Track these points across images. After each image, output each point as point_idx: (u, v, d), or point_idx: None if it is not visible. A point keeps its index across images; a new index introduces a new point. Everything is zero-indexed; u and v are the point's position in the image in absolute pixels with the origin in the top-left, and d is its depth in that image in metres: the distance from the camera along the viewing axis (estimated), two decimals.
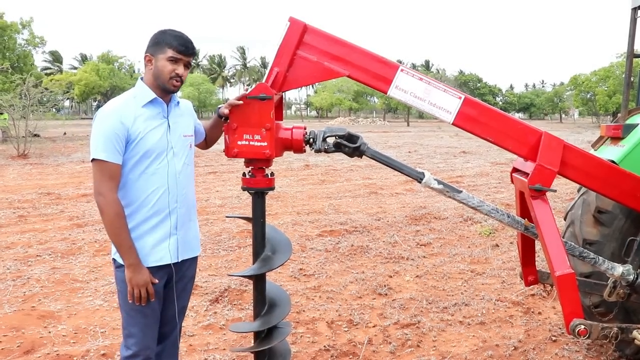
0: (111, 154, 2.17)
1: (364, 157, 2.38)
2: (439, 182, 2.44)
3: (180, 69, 2.26)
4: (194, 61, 2.43)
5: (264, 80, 2.31)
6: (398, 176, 11.75)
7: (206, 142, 2.71)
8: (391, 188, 10.66)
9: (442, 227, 7.30)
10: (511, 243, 6.46)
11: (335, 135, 2.33)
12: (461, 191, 2.46)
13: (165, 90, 2.30)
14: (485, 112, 2.38)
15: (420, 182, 2.42)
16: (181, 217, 2.37)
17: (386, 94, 2.33)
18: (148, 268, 2.28)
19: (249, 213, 2.39)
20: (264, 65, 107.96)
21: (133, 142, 2.22)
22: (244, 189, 2.36)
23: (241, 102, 2.26)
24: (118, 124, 2.18)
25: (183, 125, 2.42)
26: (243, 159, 2.34)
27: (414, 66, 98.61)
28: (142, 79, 2.34)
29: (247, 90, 2.29)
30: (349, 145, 2.31)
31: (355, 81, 2.38)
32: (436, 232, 7.00)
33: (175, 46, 2.24)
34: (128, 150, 2.23)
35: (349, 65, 2.31)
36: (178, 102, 2.44)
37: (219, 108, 2.47)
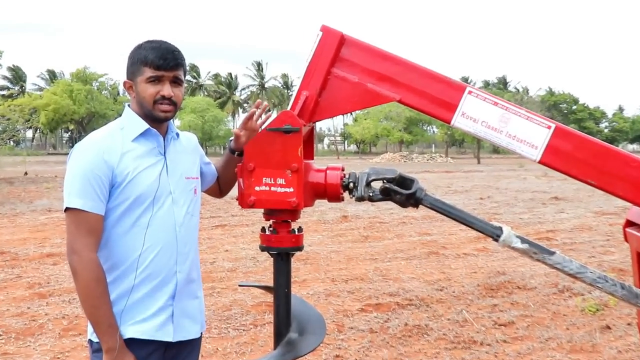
0: (90, 202, 2.20)
1: (420, 206, 2.38)
2: (523, 240, 2.41)
3: (166, 89, 2.31)
4: (192, 79, 2.50)
5: (289, 107, 2.37)
6: (466, 231, 11.55)
7: (219, 187, 2.76)
8: (457, 247, 10.65)
9: (529, 300, 7.14)
10: (629, 324, 6.25)
11: (382, 179, 2.35)
12: (554, 252, 2.42)
13: (155, 120, 2.36)
14: (584, 145, 2.34)
15: (497, 240, 2.38)
16: (181, 284, 2.39)
17: (449, 124, 2.35)
18: (126, 341, 2.25)
19: (268, 280, 2.40)
20: (286, 85, 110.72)
21: (120, 186, 2.26)
22: (263, 248, 2.38)
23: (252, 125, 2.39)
24: (100, 162, 2.22)
25: (185, 164, 2.48)
26: (262, 210, 2.37)
27: (486, 85, 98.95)
28: (129, 105, 2.41)
29: (267, 110, 2.39)
30: (401, 192, 2.33)
31: (408, 107, 2.41)
32: (520, 308, 6.85)
33: (152, 61, 2.29)
34: (113, 197, 2.26)
35: (400, 88, 2.34)
36: (177, 134, 2.51)
37: (231, 141, 2.56)
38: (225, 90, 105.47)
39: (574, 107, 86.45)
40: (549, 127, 2.33)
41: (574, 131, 2.39)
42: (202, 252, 9.71)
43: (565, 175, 2.37)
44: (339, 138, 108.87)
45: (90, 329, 2.30)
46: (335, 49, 2.35)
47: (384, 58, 2.37)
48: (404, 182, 2.35)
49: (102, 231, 2.24)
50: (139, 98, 2.33)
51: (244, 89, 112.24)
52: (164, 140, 2.41)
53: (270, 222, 2.38)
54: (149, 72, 2.29)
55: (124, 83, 2.40)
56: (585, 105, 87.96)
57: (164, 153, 2.39)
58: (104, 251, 2.27)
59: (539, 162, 2.34)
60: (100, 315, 2.20)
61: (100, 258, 2.23)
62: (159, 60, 2.28)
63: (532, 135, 2.34)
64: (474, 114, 2.34)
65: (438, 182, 27.58)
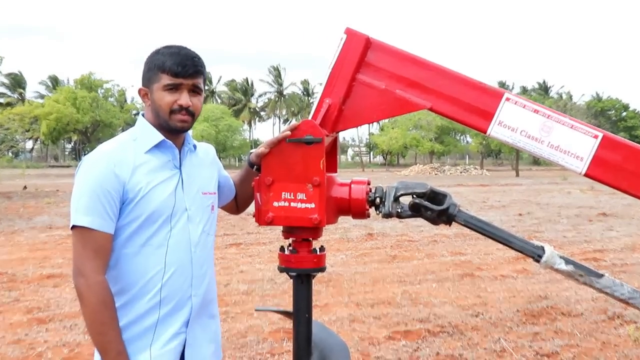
0: (99, 219, 2.20)
1: (453, 223, 2.39)
2: (567, 261, 2.39)
3: (183, 98, 2.32)
4: (206, 87, 2.52)
5: (310, 116, 2.40)
6: (504, 251, 11.51)
7: (237, 203, 2.79)
8: (494, 268, 10.59)
9: (575, 328, 7.05)
10: None
11: (411, 194, 2.36)
12: (603, 274, 2.40)
13: (171, 131, 2.37)
14: (635, 155, 2.31)
15: (538, 261, 2.37)
16: (196, 309, 2.40)
17: (485, 133, 2.36)
18: None
19: (287, 305, 2.41)
20: (307, 92, 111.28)
21: (131, 203, 2.26)
22: (281, 269, 2.41)
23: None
24: (111, 176, 2.23)
25: (202, 179, 2.50)
26: (280, 228, 2.39)
27: (524, 91, 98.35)
28: (143, 115, 2.43)
29: (290, 122, 2.38)
30: (432, 208, 2.34)
31: (439, 115, 2.43)
32: (565, 337, 6.76)
33: (170, 67, 2.30)
34: (124, 214, 2.27)
35: (431, 94, 2.36)
36: (195, 146, 2.53)
37: (251, 153, 2.56)
38: (240, 97, 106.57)
39: (624, 114, 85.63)
40: (596, 137, 2.32)
41: (624, 140, 2.36)
42: (216, 273, 9.66)
43: (614, 189, 2.35)
44: (364, 149, 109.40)
45: (97, 356, 2.29)
46: (360, 53, 2.39)
47: (413, 62, 2.39)
48: (436, 197, 2.36)
49: (110, 251, 2.25)
50: (154, 106, 2.35)
51: (260, 95, 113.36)
52: (179, 152, 2.43)
53: (290, 240, 2.40)
54: (166, 79, 2.30)
55: (139, 90, 2.42)
56: (637, 111, 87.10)
57: (180, 166, 2.41)
58: (113, 273, 2.27)
59: (585, 174, 2.32)
60: (108, 342, 2.19)
61: (109, 280, 2.24)
62: (178, 67, 2.29)
63: (577, 145, 2.32)
64: (513, 123, 2.35)
65: (472, 196, 27.47)
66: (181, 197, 2.37)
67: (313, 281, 2.42)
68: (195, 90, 2.35)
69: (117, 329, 2.22)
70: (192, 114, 2.36)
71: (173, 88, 2.31)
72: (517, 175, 56.39)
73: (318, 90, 2.45)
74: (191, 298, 2.37)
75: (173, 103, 2.31)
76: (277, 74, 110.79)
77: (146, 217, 2.28)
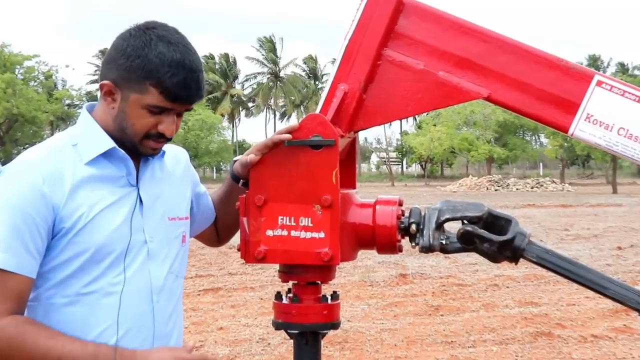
0: (16, 258, 2.19)
1: (521, 260, 2.39)
2: None
3: (168, 125, 2.35)
4: None
5: (318, 109, 2.43)
6: (596, 299, 11.48)
7: (217, 231, 2.86)
8: (581, 325, 10.46)
9: None
10: None
11: (461, 218, 2.38)
12: None
13: (135, 153, 2.41)
14: None
15: None
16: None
17: (567, 133, 2.35)
18: None
19: None
20: (313, 75, 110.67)
21: (68, 235, 2.27)
22: (278, 325, 2.42)
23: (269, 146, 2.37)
24: (37, 197, 2.22)
25: (169, 198, 2.54)
26: (276, 266, 2.43)
27: (623, 70, 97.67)
28: (90, 110, 2.45)
29: (289, 118, 2.38)
30: (491, 238, 2.34)
31: (501, 107, 2.43)
32: None
33: (169, 89, 2.29)
34: (57, 250, 2.27)
35: (490, 78, 2.38)
36: (162, 152, 2.56)
37: (235, 162, 2.62)
38: (219, 81, 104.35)
39: None
40: None
41: None
42: (185, 331, 9.63)
43: None
44: (393, 154, 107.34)
45: None
46: (388, 20, 2.42)
47: (464, 31, 2.40)
48: (496, 222, 2.37)
49: (26, 298, 2.25)
50: (121, 118, 2.35)
51: (247, 79, 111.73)
52: (139, 162, 2.46)
53: (290, 284, 2.42)
54: (156, 99, 2.30)
55: (103, 85, 2.37)
56: None
57: (137, 182, 2.43)
58: None
59: None
60: (66, 354, 2.18)
61: None
62: (180, 91, 2.30)
63: None
64: (607, 117, 2.32)
65: (549, 222, 27.23)
66: (139, 225, 2.38)
67: (322, 342, 2.43)
68: (181, 114, 2.41)
69: (57, 336, 2.21)
70: (169, 140, 2.41)
71: (161, 111, 2.33)
72: (615, 191, 55.17)
73: (329, 71, 2.46)
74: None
75: (152, 127, 2.34)
76: (270, 47, 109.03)
77: (89, 255, 2.28)
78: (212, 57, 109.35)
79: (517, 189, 62.99)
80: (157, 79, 2.26)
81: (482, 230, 2.33)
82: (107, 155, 2.36)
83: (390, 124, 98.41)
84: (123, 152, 2.38)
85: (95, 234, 2.28)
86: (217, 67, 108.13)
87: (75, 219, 2.26)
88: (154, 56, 2.27)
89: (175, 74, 2.26)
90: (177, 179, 2.59)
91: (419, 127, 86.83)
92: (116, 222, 2.32)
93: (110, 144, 2.35)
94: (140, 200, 2.40)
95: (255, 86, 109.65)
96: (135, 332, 2.33)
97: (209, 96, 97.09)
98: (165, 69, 2.26)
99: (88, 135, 2.37)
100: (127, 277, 2.32)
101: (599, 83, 2.32)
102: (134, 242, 2.35)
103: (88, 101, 2.50)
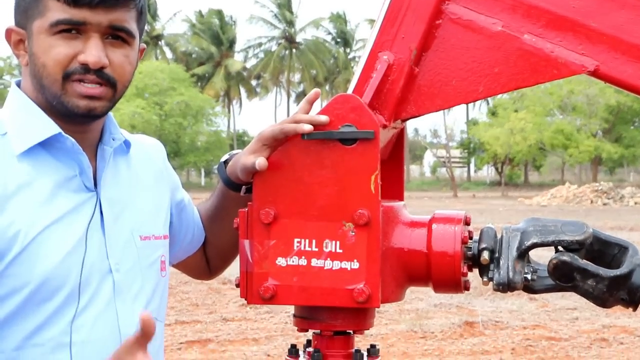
0: None
1: None
2: None
3: (91, 50, 2.24)
4: (144, 29, 2.47)
5: (350, 89, 2.40)
6: None
7: (207, 257, 2.85)
8: None
9: None
10: None
11: (555, 244, 2.30)
12: None
13: (70, 116, 2.31)
14: None
15: None
16: None
17: None
18: None
19: None
20: (343, 40, 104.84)
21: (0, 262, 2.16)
22: None
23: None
24: None
25: (140, 209, 2.49)
26: (290, 309, 2.40)
27: None
28: (19, 84, 2.40)
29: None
30: (598, 273, 2.26)
31: (613, 85, 2.36)
32: None
33: None
34: None
35: (599, 44, 2.27)
36: (127, 144, 2.52)
37: (227, 160, 2.60)
38: (210, 49, 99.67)
39: None
40: None
41: None
42: None
43: None
44: (456, 153, 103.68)
45: None
46: None
47: None
48: (605, 251, 2.36)
49: None
50: (35, 66, 2.28)
51: (250, 46, 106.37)
52: (95, 155, 2.39)
53: (310, 334, 2.39)
54: (57, 11, 2.22)
55: (7, 33, 2.35)
56: None
57: (96, 186, 2.36)
58: None
59: None
60: None
61: None
62: None
63: None
64: None
65: None
66: (100, 247, 2.31)
67: None
68: (116, 36, 2.29)
69: None
70: (112, 83, 2.30)
71: (70, 30, 2.24)
72: None
73: (365, 35, 2.31)
74: None
75: (70, 59, 2.24)
76: (283, 1, 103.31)
77: (29, 293, 2.21)
78: (200, 14, 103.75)
79: (635, 203, 58.88)
80: None
81: (585, 261, 2.27)
82: (49, 146, 2.29)
83: (451, 110, 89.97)
84: (73, 140, 2.30)
85: (37, 263, 2.20)
86: (208, 29, 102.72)
87: (7, 243, 2.18)
88: None
89: None
90: (150, 182, 2.55)
91: (493, 114, 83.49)
92: (67, 243, 2.24)
93: (54, 128, 2.28)
94: (101, 211, 2.34)
95: (261, 56, 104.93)
96: None
97: (195, 71, 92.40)
98: None
99: (21, 119, 2.31)
100: (83, 322, 2.27)
101: None
102: (92, 272, 2.28)
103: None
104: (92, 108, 2.29)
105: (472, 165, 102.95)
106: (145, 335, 2.08)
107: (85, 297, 2.27)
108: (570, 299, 14.32)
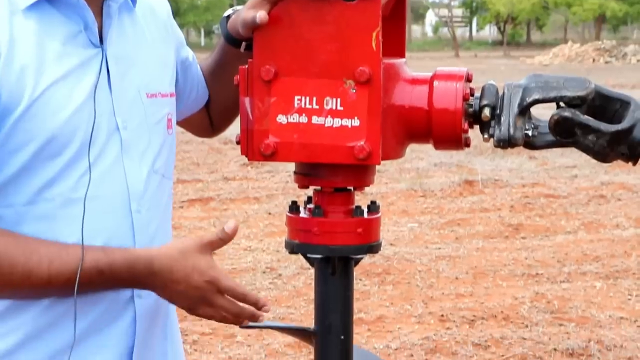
0: None
1: None
2: None
3: None
4: None
5: None
6: None
7: (209, 114, 2.92)
8: None
9: None
10: None
11: (556, 100, 2.31)
12: None
13: None
14: None
15: None
16: (144, 324, 2.45)
17: None
18: None
19: (305, 317, 2.34)
20: None
21: (7, 118, 2.22)
22: (293, 249, 2.40)
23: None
24: None
25: (147, 67, 2.52)
26: (291, 166, 2.42)
27: None
28: None
29: None
30: (599, 128, 2.28)
31: None
32: None
33: None
34: None
35: None
36: (133, 1, 2.53)
37: (229, 16, 2.59)
38: None
39: None
40: None
41: None
42: None
43: None
44: (458, 12, 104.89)
45: None
46: None
47: None
48: (606, 106, 2.36)
49: None
50: None
51: None
52: (100, 12, 2.40)
53: (311, 191, 2.40)
54: None
55: None
56: None
57: (102, 42, 2.38)
58: None
59: None
60: (60, 274, 2.21)
61: None
62: None
63: None
64: None
65: None
66: (107, 104, 2.36)
67: (355, 272, 2.42)
68: None
69: (49, 244, 2.26)
70: None
71: None
72: None
73: None
74: (133, 301, 2.40)
75: None
76: None
77: (38, 147, 2.26)
78: None
79: (638, 61, 58.73)
80: None
81: (587, 117, 2.29)
82: (54, 1, 2.29)
83: None
84: None
85: (47, 118, 2.26)
86: None
87: (15, 96, 2.22)
88: None
89: None
90: (155, 39, 2.57)
91: None
92: (75, 100, 2.29)
93: None
94: (108, 69, 2.36)
95: None
96: None
97: None
98: None
99: None
100: (93, 177, 2.32)
101: None
102: (100, 129, 2.34)
103: None
104: None
105: (474, 25, 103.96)
106: (223, 240, 2.29)
107: (93, 153, 2.33)
108: (570, 157, 14.51)
